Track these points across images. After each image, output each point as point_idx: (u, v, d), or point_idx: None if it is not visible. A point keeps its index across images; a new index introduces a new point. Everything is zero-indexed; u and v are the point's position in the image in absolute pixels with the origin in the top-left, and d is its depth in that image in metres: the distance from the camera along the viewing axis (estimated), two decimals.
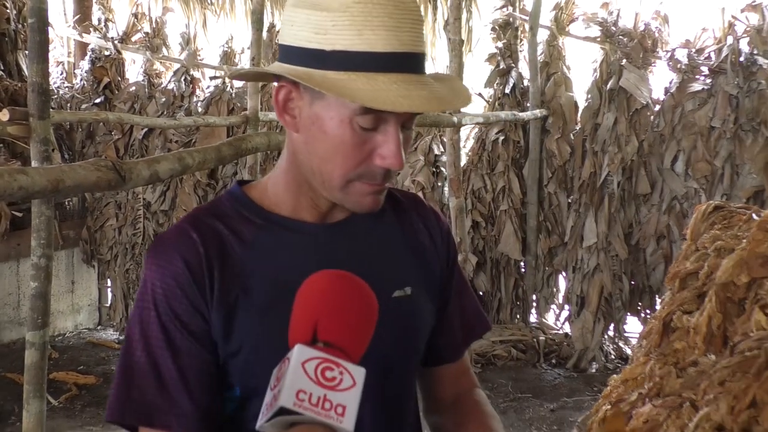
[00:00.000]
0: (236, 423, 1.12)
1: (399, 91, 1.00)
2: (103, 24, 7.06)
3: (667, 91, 5.45)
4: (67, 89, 7.15)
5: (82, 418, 4.69)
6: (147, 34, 6.95)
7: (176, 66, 6.84)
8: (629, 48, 5.54)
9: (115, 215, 6.87)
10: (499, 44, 6.10)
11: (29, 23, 2.65)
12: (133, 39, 7.06)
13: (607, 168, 5.52)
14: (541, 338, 5.82)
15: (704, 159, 5.23)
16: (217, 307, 1.09)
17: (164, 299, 1.09)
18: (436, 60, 7.12)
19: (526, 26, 5.97)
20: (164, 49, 6.96)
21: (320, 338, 0.86)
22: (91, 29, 7.04)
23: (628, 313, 5.68)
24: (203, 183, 6.57)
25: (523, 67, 6.06)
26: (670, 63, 5.45)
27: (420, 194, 5.70)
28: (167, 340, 1.08)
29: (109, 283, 7.07)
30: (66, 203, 6.80)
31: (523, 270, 6.18)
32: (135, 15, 7.15)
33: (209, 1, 7.57)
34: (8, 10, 6.20)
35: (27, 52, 2.75)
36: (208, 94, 6.65)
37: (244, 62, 6.57)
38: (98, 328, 6.92)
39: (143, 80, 6.85)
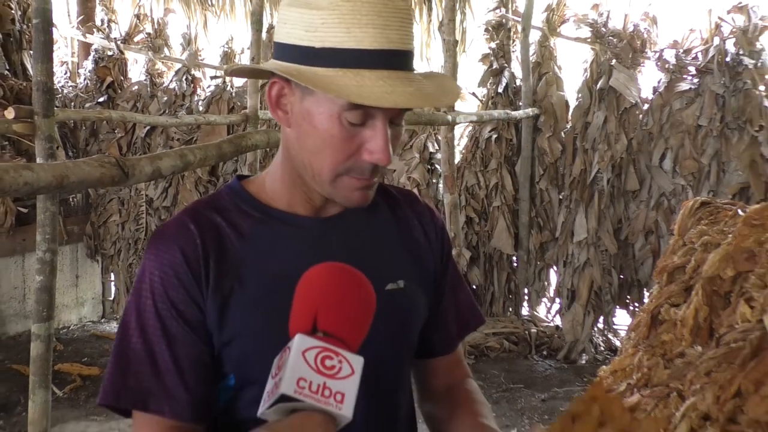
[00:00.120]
0: (230, 412, 1.13)
1: (385, 88, 1.00)
2: (106, 25, 7.05)
3: (655, 90, 5.46)
4: (71, 88, 7.13)
5: (86, 408, 4.69)
6: (149, 34, 6.95)
7: (178, 66, 6.84)
8: (619, 48, 5.54)
9: (118, 211, 6.86)
10: (492, 45, 6.10)
11: (34, 24, 2.64)
12: (136, 39, 7.05)
13: (597, 165, 5.52)
14: (532, 330, 5.83)
15: (691, 156, 5.24)
16: (212, 297, 1.09)
17: (161, 288, 1.09)
18: (431, 60, 7.11)
19: (519, 27, 5.97)
20: (166, 50, 6.95)
21: (320, 328, 0.87)
22: (95, 30, 7.03)
23: (617, 306, 5.69)
24: (204, 180, 6.57)
25: (516, 67, 6.06)
26: (659, 63, 5.46)
27: (415, 191, 5.70)
28: (163, 328, 1.08)
29: (112, 277, 7.07)
30: (70, 199, 6.78)
31: (515, 264, 6.18)
32: (137, 16, 7.14)
33: (210, 3, 7.54)
34: (13, 11, 6.18)
35: (32, 52, 2.74)
36: (209, 93, 6.65)
37: (244, 62, 6.56)
38: (102, 320, 6.91)
39: (145, 80, 6.85)
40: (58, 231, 2.81)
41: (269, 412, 0.83)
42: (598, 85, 5.56)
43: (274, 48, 1.13)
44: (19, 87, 6.04)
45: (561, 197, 5.90)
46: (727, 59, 5.12)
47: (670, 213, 5.29)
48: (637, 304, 5.59)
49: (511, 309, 6.21)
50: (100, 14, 7.13)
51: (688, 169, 5.26)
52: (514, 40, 6.10)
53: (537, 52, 5.94)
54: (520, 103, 5.92)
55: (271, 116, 1.17)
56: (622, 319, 5.77)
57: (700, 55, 5.30)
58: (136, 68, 7.13)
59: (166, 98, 6.70)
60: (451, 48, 4.22)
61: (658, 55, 5.48)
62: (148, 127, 6.66)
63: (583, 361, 5.52)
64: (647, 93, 5.51)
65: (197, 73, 6.81)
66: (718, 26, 5.23)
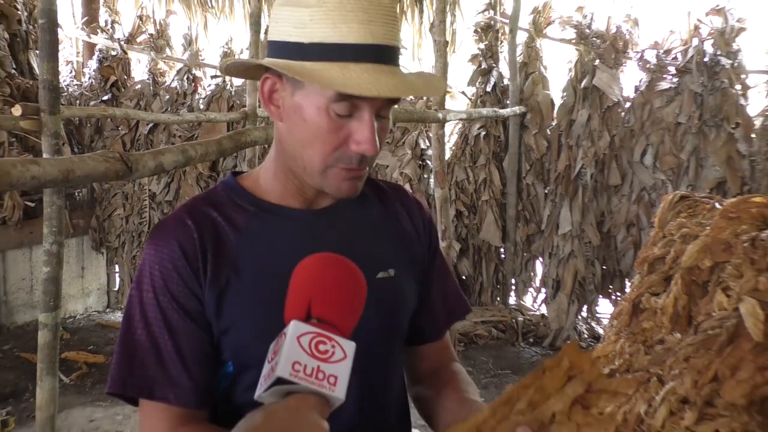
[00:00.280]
0: (229, 397, 1.13)
1: (369, 79, 1.01)
2: (109, 25, 7.02)
3: (636, 89, 5.46)
4: (76, 87, 7.10)
5: (92, 394, 4.69)
6: (151, 35, 6.92)
7: (179, 65, 6.82)
8: (602, 49, 5.54)
9: (122, 205, 6.84)
10: (481, 45, 6.10)
11: (40, 24, 2.62)
12: (139, 40, 7.02)
13: (581, 161, 5.53)
14: (519, 319, 5.85)
15: (671, 152, 5.26)
16: (210, 289, 1.10)
17: (162, 281, 1.10)
18: (422, 60, 7.11)
19: (506, 29, 5.96)
20: (168, 50, 6.92)
21: (314, 315, 0.87)
22: (99, 30, 6.99)
23: (600, 296, 5.71)
24: (205, 175, 6.56)
25: (504, 67, 6.06)
26: (640, 63, 5.46)
27: (407, 185, 5.71)
28: (165, 319, 1.09)
29: (117, 269, 7.05)
30: (76, 194, 6.76)
31: (503, 256, 6.19)
32: (140, 17, 7.11)
33: (210, 4, 7.52)
34: (20, 12, 6.14)
35: (38, 51, 2.73)
36: (210, 92, 6.63)
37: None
38: (107, 310, 6.90)
39: (148, 79, 6.82)
40: (64, 224, 2.79)
41: (266, 394, 0.83)
42: (582, 84, 5.56)
43: (267, 46, 1.13)
44: (26, 85, 6.00)
45: (546, 191, 5.91)
46: (705, 59, 5.13)
47: (651, 206, 5.31)
48: (619, 294, 5.62)
49: (498, 298, 6.23)
50: (104, 15, 7.10)
51: (667, 165, 5.27)
52: (501, 41, 6.10)
53: (524, 52, 5.94)
54: (508, 102, 5.92)
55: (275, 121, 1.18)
56: (604, 307, 5.79)
57: (679, 56, 5.30)
58: (139, 68, 7.10)
59: (168, 96, 6.67)
60: (442, 48, 4.21)
61: (639, 55, 5.49)
62: (150, 125, 6.64)
63: (561, 352, 5.53)
64: (629, 92, 5.52)
65: (198, 73, 6.79)
66: (696, 28, 5.24)
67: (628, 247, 5.51)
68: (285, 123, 1.12)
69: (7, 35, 5.97)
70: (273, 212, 1.17)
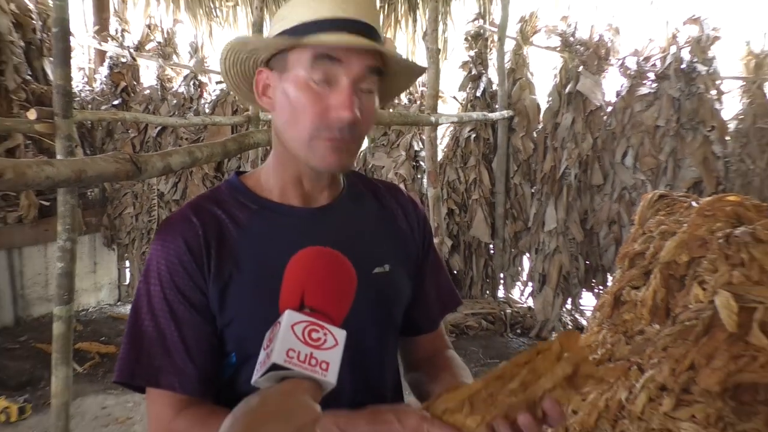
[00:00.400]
0: (232, 386, 1.13)
1: (340, 38, 1.04)
2: (119, 34, 6.99)
3: (618, 94, 5.46)
4: (88, 92, 7.07)
5: (103, 382, 4.68)
6: (159, 43, 6.89)
7: (186, 72, 6.80)
8: (585, 56, 5.54)
9: (132, 204, 6.82)
10: (471, 53, 6.09)
11: (53, 33, 2.61)
12: (147, 47, 7.00)
13: (566, 162, 5.53)
14: (507, 311, 5.85)
15: (650, 154, 5.26)
16: (214, 283, 1.09)
17: (168, 275, 1.09)
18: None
19: (495, 37, 5.96)
20: (175, 57, 6.91)
21: (307, 305, 0.87)
22: (109, 38, 6.96)
23: (584, 289, 5.71)
24: (210, 175, 6.54)
25: (492, 73, 6.05)
26: (621, 69, 5.46)
27: (402, 185, 5.70)
28: (171, 311, 1.09)
29: (127, 264, 7.03)
30: (88, 193, 6.74)
31: (492, 251, 6.19)
32: (148, 26, 7.09)
33: (215, 14, 7.50)
34: (35, 21, 6.12)
35: (52, 58, 2.71)
36: (215, 97, 6.61)
37: None
38: (118, 303, 6.88)
39: (156, 84, 6.80)
40: (77, 222, 2.79)
41: (262, 379, 0.84)
42: (567, 90, 5.56)
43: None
44: (40, 91, 5.99)
45: (533, 191, 5.91)
46: (683, 66, 5.14)
47: (631, 205, 5.31)
48: (601, 287, 5.62)
49: (488, 292, 6.23)
50: (114, 24, 7.07)
51: (647, 165, 5.28)
52: (491, 49, 6.09)
53: (511, 59, 5.93)
54: (497, 106, 5.91)
55: (271, 117, 1.18)
56: (588, 300, 5.80)
57: (658, 63, 5.30)
58: (148, 74, 7.08)
59: (175, 101, 6.65)
60: (434, 55, 4.21)
61: (620, 62, 5.49)
62: (159, 128, 6.63)
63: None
64: (611, 96, 5.51)
65: (204, 79, 6.77)
66: (674, 36, 5.24)
67: (609, 243, 5.51)
68: (277, 111, 1.13)
69: (22, 43, 5.95)
70: (274, 210, 1.17)
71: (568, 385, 0.92)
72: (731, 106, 5.16)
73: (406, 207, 1.32)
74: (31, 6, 6.15)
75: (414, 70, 1.20)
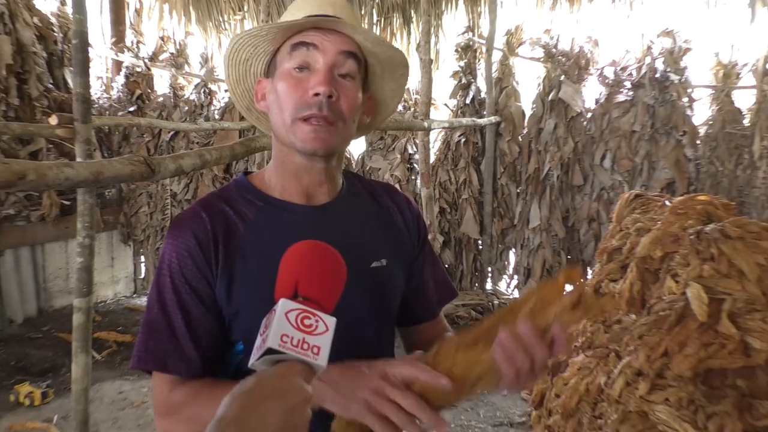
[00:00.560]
0: (240, 373, 1.12)
1: (304, 21, 1.08)
2: (135, 45, 6.97)
3: (597, 101, 5.47)
4: (105, 99, 7.05)
5: (120, 369, 4.67)
6: (172, 54, 6.88)
7: (196, 80, 6.78)
8: (567, 66, 5.54)
9: (147, 203, 6.81)
10: (461, 63, 6.08)
11: (73, 44, 2.61)
12: (161, 58, 6.98)
13: (549, 164, 5.54)
14: (495, 302, 5.85)
15: (627, 157, 5.27)
16: (221, 275, 1.09)
17: (178, 268, 1.09)
18: (410, 76, 7.08)
19: (483, 49, 5.95)
20: (186, 67, 6.89)
21: (300, 294, 0.88)
22: (125, 50, 6.95)
23: None
24: (220, 176, 6.53)
25: (481, 82, 6.04)
26: (600, 78, 5.47)
27: (397, 186, 5.70)
28: (179, 301, 1.08)
29: (142, 259, 7.02)
30: (106, 193, 6.73)
31: (480, 247, 6.20)
32: (162, 38, 7.07)
33: (223, 27, 7.49)
34: (56, 34, 6.12)
35: (72, 68, 2.71)
36: (224, 104, 6.60)
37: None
38: (134, 296, 6.87)
39: (169, 92, 6.78)
40: (95, 220, 2.78)
41: (258, 363, 0.84)
42: (550, 97, 5.57)
43: None
44: (61, 98, 5.97)
45: (518, 191, 5.91)
46: (657, 75, 5.15)
47: (609, 204, 5.32)
48: (582, 280, 5.62)
49: (477, 284, 6.23)
50: (130, 36, 7.05)
51: (624, 167, 5.28)
52: (479, 60, 6.09)
53: (498, 69, 5.93)
54: (485, 112, 5.91)
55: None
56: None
57: (634, 72, 5.31)
58: (161, 82, 7.07)
59: (186, 108, 6.64)
60: (427, 65, 4.22)
61: (599, 71, 5.49)
62: (171, 132, 6.61)
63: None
64: (590, 103, 5.52)
65: (213, 87, 6.76)
66: (649, 48, 5.25)
67: (589, 240, 5.52)
68: (270, 109, 1.14)
69: (45, 54, 5.94)
70: (278, 206, 1.16)
71: (573, 311, 0.95)
72: (701, 112, 5.18)
73: (401, 205, 1.31)
74: (53, 19, 6.14)
75: (394, 59, 1.18)
